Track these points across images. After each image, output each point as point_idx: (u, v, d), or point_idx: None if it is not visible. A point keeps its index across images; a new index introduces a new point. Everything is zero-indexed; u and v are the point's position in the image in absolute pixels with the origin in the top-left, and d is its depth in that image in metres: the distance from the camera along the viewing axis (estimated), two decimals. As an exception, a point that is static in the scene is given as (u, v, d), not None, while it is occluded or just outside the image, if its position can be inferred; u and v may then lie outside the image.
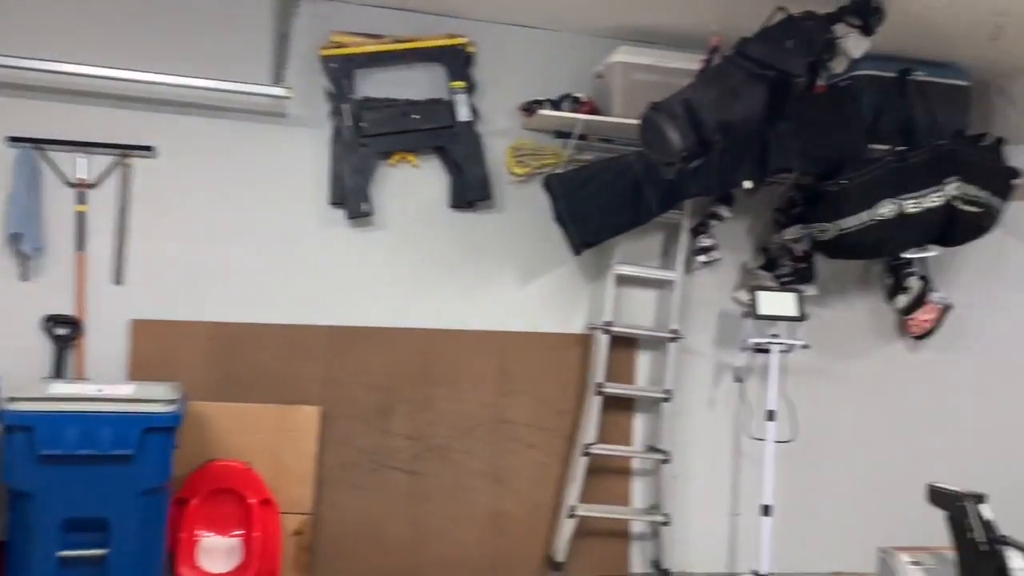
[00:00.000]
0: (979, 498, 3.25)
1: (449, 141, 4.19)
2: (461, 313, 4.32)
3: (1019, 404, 4.99)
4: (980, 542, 3.21)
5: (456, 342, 4.31)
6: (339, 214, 4.14)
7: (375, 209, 4.15)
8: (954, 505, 3.31)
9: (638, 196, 4.03)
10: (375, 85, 4.15)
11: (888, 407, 4.85)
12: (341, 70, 4.07)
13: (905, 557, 3.56)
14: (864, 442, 4.82)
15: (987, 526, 3.22)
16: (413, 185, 4.24)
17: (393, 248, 4.24)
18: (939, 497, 3.41)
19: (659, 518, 4.40)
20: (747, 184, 3.90)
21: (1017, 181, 4.30)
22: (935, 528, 3.33)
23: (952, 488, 3.36)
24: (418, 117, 4.16)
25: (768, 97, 3.41)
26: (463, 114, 4.18)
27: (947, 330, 4.76)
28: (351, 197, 4.09)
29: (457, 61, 4.20)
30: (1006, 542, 3.27)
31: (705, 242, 4.41)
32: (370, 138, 4.10)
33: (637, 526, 4.54)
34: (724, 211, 4.42)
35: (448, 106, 4.18)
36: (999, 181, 4.24)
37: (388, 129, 4.13)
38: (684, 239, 4.40)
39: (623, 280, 4.38)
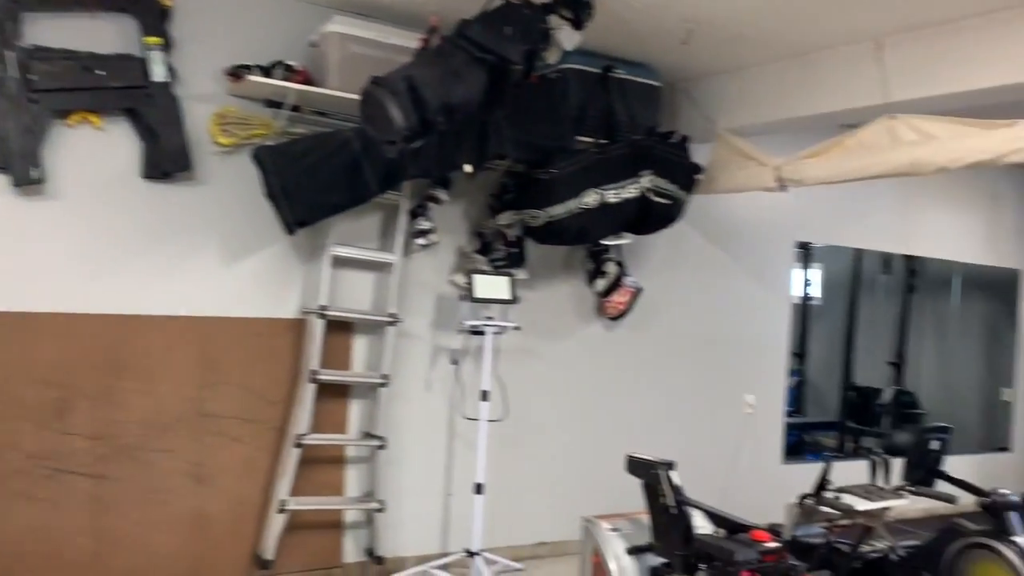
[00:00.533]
0: (669, 465, 3.54)
1: (141, 103, 3.73)
2: (156, 297, 3.88)
3: (696, 376, 5.58)
4: (670, 505, 3.51)
5: (150, 329, 3.87)
6: (1, 180, 3.52)
7: (48, 175, 3.59)
8: (648, 473, 3.58)
9: (357, 174, 3.87)
10: (49, 32, 3.57)
11: (589, 384, 5.17)
12: (3, 11, 3.45)
13: (606, 524, 3.79)
14: (569, 417, 5.10)
15: (676, 490, 3.52)
16: (97, 150, 3.72)
17: (71, 222, 3.69)
18: (636, 466, 3.67)
19: (374, 505, 4.31)
20: (467, 168, 3.91)
21: (699, 176, 4.76)
22: (635, 495, 3.58)
23: (647, 457, 3.63)
24: (103, 73, 3.64)
25: (488, 82, 3.42)
26: (158, 74, 3.74)
27: (638, 311, 5.17)
28: (17, 161, 3.49)
29: (151, 14, 3.74)
30: (690, 503, 3.61)
31: (423, 225, 4.37)
32: (42, 93, 3.52)
33: (351, 515, 4.41)
34: (442, 194, 4.41)
35: (140, 63, 3.71)
36: (685, 176, 4.67)
37: (65, 84, 3.58)
38: (403, 221, 4.32)
39: (339, 262, 4.20)
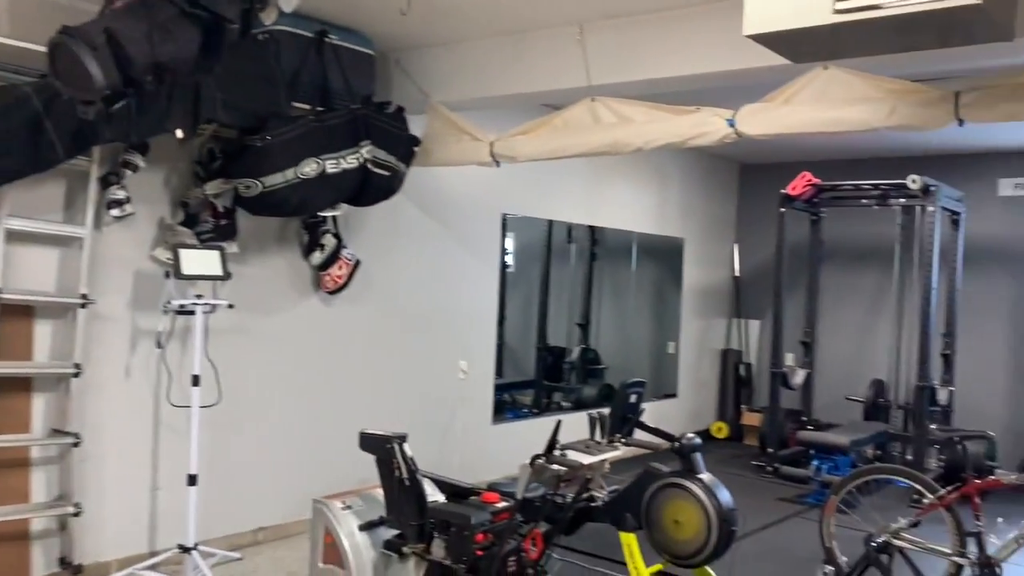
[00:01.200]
0: (402, 439, 3.57)
1: None
2: None
3: (415, 345, 5.64)
4: (404, 477, 3.54)
5: None
6: None
7: None
8: (382, 448, 3.58)
9: (38, 136, 3.35)
10: None
11: (310, 361, 5.01)
12: None
13: (338, 503, 3.73)
14: (289, 397, 4.91)
15: (409, 462, 3.56)
16: None
17: None
18: (369, 442, 3.65)
19: (68, 509, 3.84)
20: (179, 133, 3.55)
21: (416, 148, 4.78)
22: (364, 469, 3.56)
23: (380, 432, 3.63)
24: None
25: (202, 40, 3.12)
26: None
27: (356, 283, 5.09)
28: None
29: None
30: (423, 475, 3.67)
31: (117, 194, 3.91)
32: None
33: (40, 522, 3.89)
34: (139, 160, 3.97)
35: None
36: (404, 147, 4.66)
37: None
38: (93, 190, 3.84)
39: (15, 236, 3.65)
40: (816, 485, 6.27)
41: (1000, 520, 3.84)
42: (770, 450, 7.16)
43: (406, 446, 3.56)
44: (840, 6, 2.49)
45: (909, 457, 6.88)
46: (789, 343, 7.51)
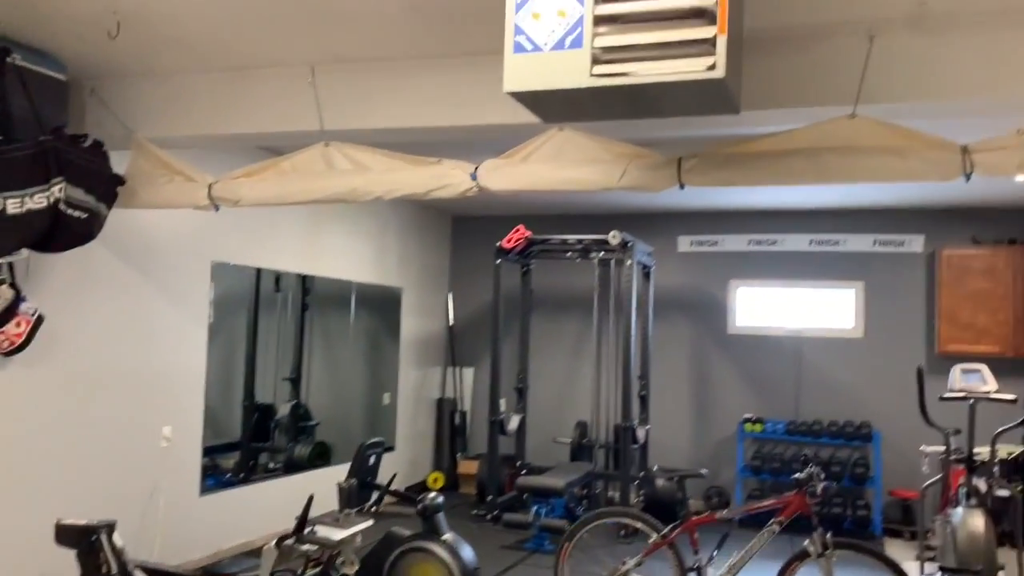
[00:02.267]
0: (110, 527, 3.07)
1: None
2: None
3: (111, 411, 4.91)
4: (114, 574, 3.03)
5: None
6: None
7: None
8: (86, 540, 3.04)
9: None
10: None
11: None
12: None
13: (23, 613, 3.09)
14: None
15: (119, 554, 3.06)
16: None
17: None
18: (68, 534, 3.09)
19: None
20: None
21: (120, 188, 4.22)
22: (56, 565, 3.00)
23: (82, 522, 3.08)
24: None
25: None
26: None
27: (38, 343, 4.31)
28: None
29: None
30: (139, 567, 3.16)
31: None
32: None
33: None
34: None
35: None
36: (104, 186, 4.09)
37: None
38: None
39: None
40: (535, 530, 6.43)
41: (715, 552, 4.16)
42: (490, 497, 7.24)
43: (116, 536, 3.06)
44: (597, 71, 2.58)
45: (612, 494, 7.35)
46: (502, 389, 7.69)
